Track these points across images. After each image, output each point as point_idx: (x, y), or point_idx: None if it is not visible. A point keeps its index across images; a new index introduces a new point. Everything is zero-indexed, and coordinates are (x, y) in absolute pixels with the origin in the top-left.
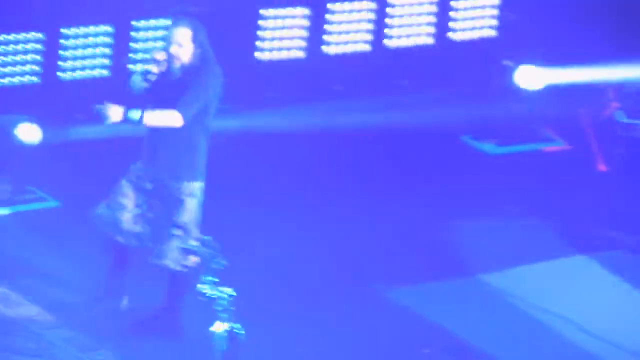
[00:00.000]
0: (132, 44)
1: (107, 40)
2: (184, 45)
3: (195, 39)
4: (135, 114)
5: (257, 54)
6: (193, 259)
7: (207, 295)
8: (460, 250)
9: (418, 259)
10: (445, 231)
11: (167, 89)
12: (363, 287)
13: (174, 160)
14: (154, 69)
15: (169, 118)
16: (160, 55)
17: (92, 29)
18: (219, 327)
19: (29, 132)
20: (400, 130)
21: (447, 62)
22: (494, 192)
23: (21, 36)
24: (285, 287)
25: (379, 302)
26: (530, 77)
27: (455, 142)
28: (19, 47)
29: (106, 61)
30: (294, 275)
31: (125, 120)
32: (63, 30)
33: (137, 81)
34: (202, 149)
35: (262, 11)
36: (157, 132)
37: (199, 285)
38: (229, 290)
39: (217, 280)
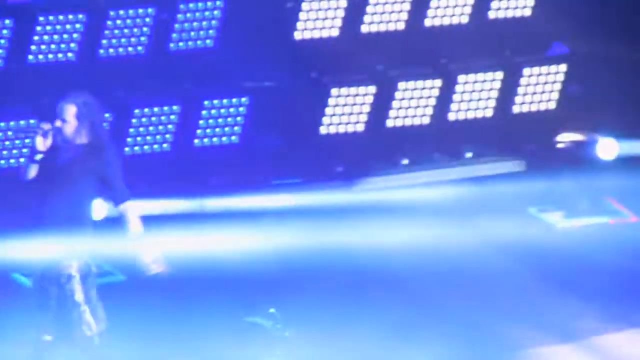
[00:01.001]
0: None
1: None
2: (68, 121)
3: (80, 116)
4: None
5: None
6: None
7: None
8: None
9: None
10: None
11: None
12: None
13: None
14: (40, 143)
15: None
16: (46, 126)
17: None
18: None
19: (95, 208)
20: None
21: (510, 133)
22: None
23: None
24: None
25: None
26: (608, 148)
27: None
28: None
29: None
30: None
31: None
32: None
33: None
34: None
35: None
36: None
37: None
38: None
39: (280, 352)
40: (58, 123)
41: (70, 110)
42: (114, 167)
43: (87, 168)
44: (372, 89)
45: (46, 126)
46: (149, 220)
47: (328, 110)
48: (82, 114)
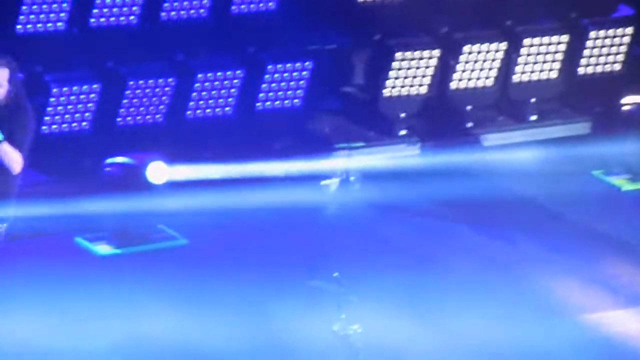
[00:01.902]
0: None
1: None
2: (3, 85)
3: (11, 80)
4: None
5: None
6: None
7: (339, 333)
8: None
9: None
10: None
11: None
12: None
13: None
14: None
15: (17, 159)
16: None
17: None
18: None
19: (158, 171)
20: None
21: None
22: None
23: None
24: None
25: None
26: None
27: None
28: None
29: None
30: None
31: None
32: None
33: None
34: None
35: None
36: None
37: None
38: (357, 328)
39: (346, 317)
40: None
41: (4, 74)
42: (27, 131)
43: (7, 129)
44: (437, 52)
45: None
46: (210, 184)
47: (392, 74)
48: (13, 77)
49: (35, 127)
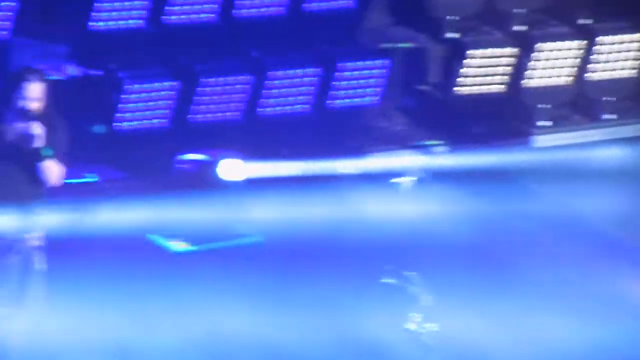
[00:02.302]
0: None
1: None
2: (41, 99)
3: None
4: (45, 151)
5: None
6: None
7: (414, 331)
8: None
9: None
10: None
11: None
12: None
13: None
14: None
15: (60, 174)
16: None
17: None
18: None
19: (232, 168)
20: None
21: None
22: None
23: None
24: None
25: None
26: None
27: None
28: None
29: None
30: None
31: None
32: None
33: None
34: None
35: None
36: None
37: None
38: (431, 326)
39: (422, 316)
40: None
41: (41, 88)
42: (64, 142)
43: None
44: (511, 50)
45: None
46: (286, 182)
47: (463, 72)
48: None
49: (107, 124)
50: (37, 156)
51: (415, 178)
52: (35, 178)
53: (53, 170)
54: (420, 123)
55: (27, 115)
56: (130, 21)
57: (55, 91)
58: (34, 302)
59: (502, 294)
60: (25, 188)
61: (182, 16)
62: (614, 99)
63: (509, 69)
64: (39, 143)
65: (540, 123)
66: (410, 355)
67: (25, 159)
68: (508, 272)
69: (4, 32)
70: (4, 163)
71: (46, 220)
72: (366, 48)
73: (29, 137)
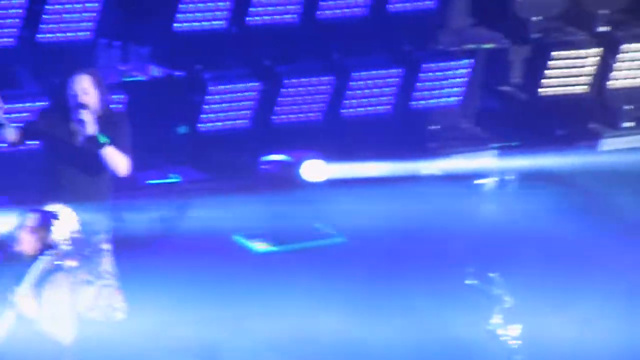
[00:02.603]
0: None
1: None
2: (88, 92)
3: (100, 89)
4: (102, 138)
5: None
6: None
7: (497, 333)
8: None
9: None
10: None
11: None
12: None
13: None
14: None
15: (123, 161)
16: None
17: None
18: None
19: (315, 169)
20: None
21: None
22: None
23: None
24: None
25: None
26: None
27: None
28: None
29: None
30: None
31: (91, 139)
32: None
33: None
34: None
35: None
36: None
37: (488, 326)
38: (513, 328)
39: (505, 318)
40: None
41: (86, 81)
42: (129, 136)
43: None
44: (595, 51)
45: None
46: (369, 183)
47: (547, 73)
48: (101, 86)
49: (190, 125)
50: (95, 143)
51: (497, 179)
52: (98, 170)
53: (114, 158)
54: (503, 124)
55: (78, 107)
56: (213, 22)
57: (138, 92)
58: (109, 303)
59: (585, 295)
60: (91, 182)
61: (265, 17)
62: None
63: (592, 70)
64: (91, 130)
65: (624, 124)
66: (493, 356)
67: (85, 152)
68: (590, 272)
69: (87, 33)
70: (65, 157)
71: (127, 220)
72: (449, 49)
73: (82, 125)
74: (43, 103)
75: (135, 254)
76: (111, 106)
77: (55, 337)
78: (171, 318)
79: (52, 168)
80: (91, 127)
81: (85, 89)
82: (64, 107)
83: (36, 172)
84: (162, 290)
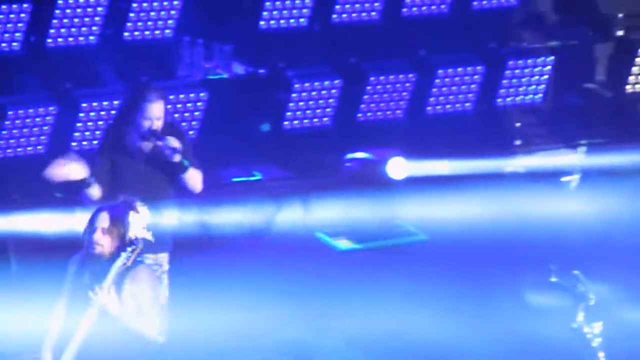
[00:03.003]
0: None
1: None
2: (161, 118)
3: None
4: (185, 162)
5: None
6: None
7: (581, 332)
8: None
9: None
10: None
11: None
12: None
13: None
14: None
15: (200, 179)
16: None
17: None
18: None
19: (398, 167)
20: None
21: None
22: None
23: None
24: None
25: None
26: None
27: None
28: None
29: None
30: None
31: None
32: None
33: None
34: None
35: None
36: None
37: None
38: (596, 326)
39: (585, 315)
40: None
41: (161, 107)
42: (192, 149)
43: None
44: None
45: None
46: (450, 180)
47: (632, 70)
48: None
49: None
50: (180, 169)
51: (580, 176)
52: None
53: (194, 178)
54: (587, 121)
55: (156, 134)
56: (297, 20)
57: (222, 90)
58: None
59: None
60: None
61: (349, 14)
62: None
63: None
64: (177, 158)
65: None
66: (578, 354)
67: (165, 175)
68: None
69: (170, 31)
70: (136, 179)
71: (211, 218)
72: (533, 46)
73: (170, 153)
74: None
75: (219, 253)
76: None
77: (139, 333)
78: (255, 316)
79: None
80: (178, 155)
81: (160, 116)
82: (132, 128)
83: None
84: (246, 288)
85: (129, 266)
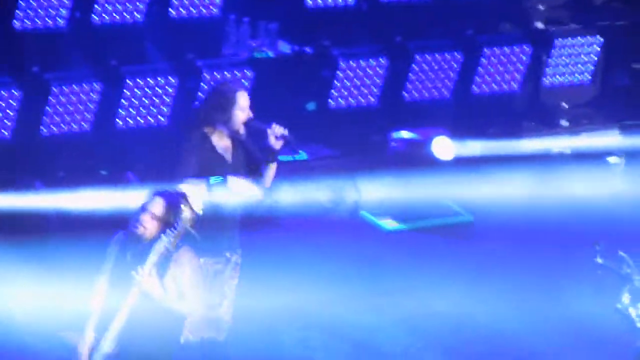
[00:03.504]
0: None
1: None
2: (246, 110)
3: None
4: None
5: None
6: None
7: (627, 312)
8: None
9: None
10: None
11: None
12: None
13: None
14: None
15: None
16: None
17: None
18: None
19: (443, 147)
20: None
21: None
22: None
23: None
24: None
25: None
26: None
27: None
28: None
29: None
30: None
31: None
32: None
33: None
34: None
35: None
36: None
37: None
38: None
39: (631, 296)
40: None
41: (247, 98)
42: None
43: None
44: None
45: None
46: (497, 160)
47: None
48: None
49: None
50: (273, 157)
51: (626, 156)
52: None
53: (274, 170)
54: (634, 101)
55: (257, 122)
56: None
57: (267, 68)
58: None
59: None
60: None
61: None
62: None
63: None
64: (280, 144)
65: None
66: (622, 335)
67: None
68: None
69: (215, 10)
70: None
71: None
72: (580, 26)
73: (279, 138)
74: (171, 80)
75: (264, 232)
76: None
77: (179, 313)
78: (300, 295)
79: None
80: (281, 141)
81: (248, 104)
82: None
83: (160, 149)
84: (291, 267)
85: (171, 250)
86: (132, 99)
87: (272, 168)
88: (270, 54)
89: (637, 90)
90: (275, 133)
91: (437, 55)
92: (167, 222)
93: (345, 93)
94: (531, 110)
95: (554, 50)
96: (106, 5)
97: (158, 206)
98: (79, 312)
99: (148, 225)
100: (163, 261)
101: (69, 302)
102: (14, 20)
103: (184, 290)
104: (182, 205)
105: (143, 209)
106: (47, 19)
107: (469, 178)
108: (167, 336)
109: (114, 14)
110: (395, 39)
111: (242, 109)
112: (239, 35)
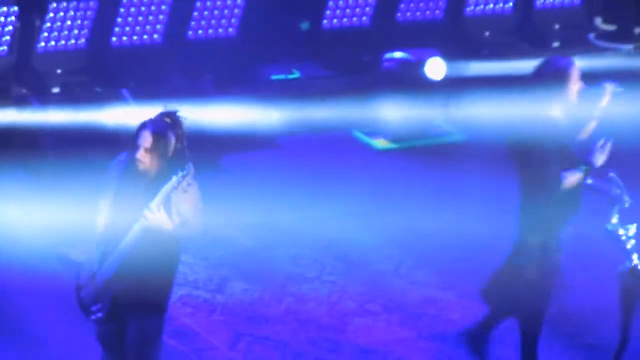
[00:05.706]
0: None
1: None
2: None
3: None
4: None
5: None
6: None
7: (616, 233)
8: None
9: None
10: None
11: None
12: None
13: None
14: None
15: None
16: None
17: None
18: (627, 264)
19: (436, 67)
20: None
21: None
22: None
23: None
24: None
25: None
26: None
27: None
28: None
29: None
30: None
31: None
32: None
33: None
34: None
35: None
36: None
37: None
38: (630, 229)
39: (620, 218)
40: None
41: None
42: None
43: None
44: None
45: None
46: (488, 82)
47: None
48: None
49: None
50: None
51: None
52: None
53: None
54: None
55: None
56: None
57: None
58: None
59: None
60: None
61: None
62: None
63: None
64: None
65: None
66: (612, 255)
67: None
68: None
69: None
70: None
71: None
72: None
73: None
74: None
75: (258, 152)
76: None
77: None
78: (293, 214)
79: None
80: None
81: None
82: None
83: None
84: (284, 187)
85: (179, 188)
86: (127, 17)
87: None
88: None
89: None
90: None
91: None
92: (163, 153)
93: (339, 13)
94: (523, 31)
95: None
96: None
97: (147, 139)
98: (80, 229)
99: (145, 160)
100: (171, 198)
101: (71, 219)
102: None
103: (187, 219)
104: (172, 128)
105: (135, 144)
106: None
107: (460, 99)
108: (168, 261)
109: None
110: None
111: None
112: None
